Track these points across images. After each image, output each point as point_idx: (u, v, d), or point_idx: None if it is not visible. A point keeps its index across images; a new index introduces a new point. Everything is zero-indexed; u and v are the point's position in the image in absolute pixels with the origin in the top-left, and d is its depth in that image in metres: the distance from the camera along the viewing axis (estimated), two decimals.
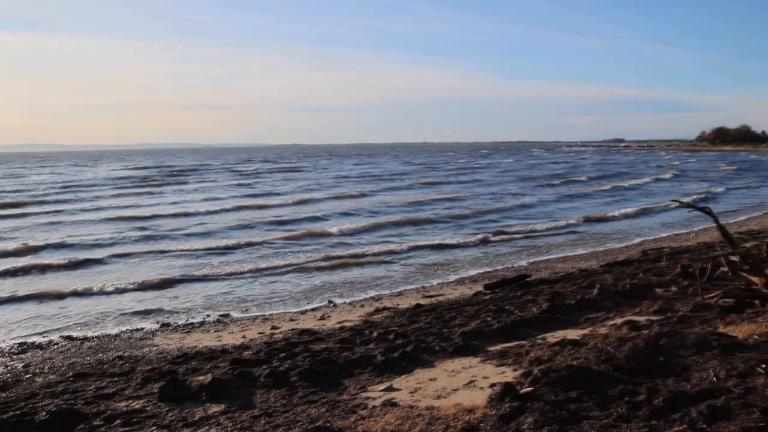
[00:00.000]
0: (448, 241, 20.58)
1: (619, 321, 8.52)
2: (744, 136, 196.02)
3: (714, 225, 9.19)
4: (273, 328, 11.03)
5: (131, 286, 14.85)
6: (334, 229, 23.42)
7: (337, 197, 37.89)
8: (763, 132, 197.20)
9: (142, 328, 11.47)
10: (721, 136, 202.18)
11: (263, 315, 12.29)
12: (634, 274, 12.51)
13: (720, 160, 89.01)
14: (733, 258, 8.65)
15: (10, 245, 20.74)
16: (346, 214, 28.99)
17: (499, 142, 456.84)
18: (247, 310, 12.80)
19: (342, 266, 17.10)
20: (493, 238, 21.29)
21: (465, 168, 77.48)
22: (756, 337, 5.61)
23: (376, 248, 19.52)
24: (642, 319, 8.44)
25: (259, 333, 10.73)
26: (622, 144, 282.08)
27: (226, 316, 12.33)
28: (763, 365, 4.57)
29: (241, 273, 16.28)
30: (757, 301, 8.07)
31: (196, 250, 19.68)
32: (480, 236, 21.48)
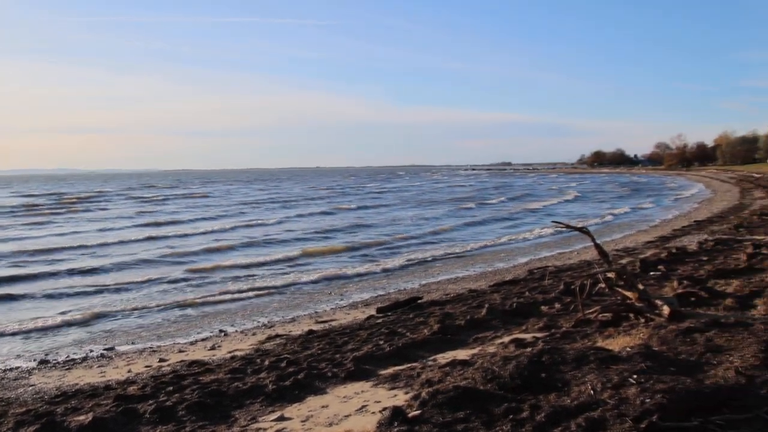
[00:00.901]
0: (345, 270, 20.46)
1: (506, 339, 8.77)
2: (619, 159, 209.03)
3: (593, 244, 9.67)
4: (161, 360, 10.60)
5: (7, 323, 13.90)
6: (233, 261, 22.85)
7: (248, 225, 36.90)
8: (635, 155, 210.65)
9: (17, 367, 10.73)
10: (599, 159, 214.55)
11: (151, 347, 11.81)
12: (521, 293, 12.94)
13: (611, 182, 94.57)
14: (610, 275, 9.11)
15: None
16: (250, 243, 28.18)
17: (394, 166, 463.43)
18: (134, 342, 12.27)
19: (238, 294, 16.72)
20: (390, 263, 21.46)
21: (373, 192, 78.07)
22: (629, 349, 5.91)
23: (270, 276, 19.20)
24: (528, 336, 8.72)
25: (146, 366, 10.28)
26: (510, 167, 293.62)
27: (111, 349, 11.76)
28: (635, 376, 4.82)
29: (133, 306, 15.55)
30: (632, 314, 8.53)
31: (87, 285, 18.62)
32: (378, 260, 21.63)
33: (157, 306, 15.52)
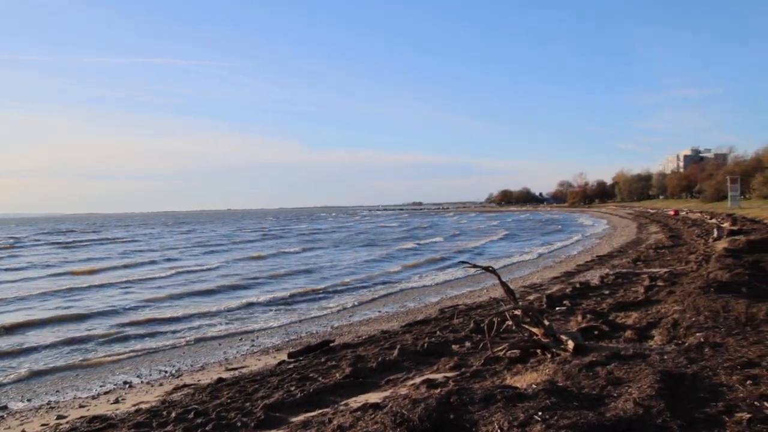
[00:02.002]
0: (252, 321, 20.05)
1: (418, 380, 8.77)
2: (525, 198, 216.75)
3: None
4: (59, 417, 10.02)
5: None
6: (158, 313, 22.00)
7: (188, 271, 35.49)
8: (541, 194, 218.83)
9: None
10: (506, 198, 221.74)
11: (49, 403, 11.14)
12: (432, 333, 13.05)
13: (528, 220, 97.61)
14: (517, 312, 9.31)
15: None
16: (190, 293, 27.21)
17: (308, 207, 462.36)
18: (30, 399, 11.53)
19: (143, 343, 16.08)
20: (303, 305, 21.22)
21: (305, 233, 76.97)
22: (534, 386, 6.03)
23: (181, 322, 18.59)
24: (439, 376, 8.76)
25: (42, 425, 9.70)
26: (421, 207, 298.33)
27: (4, 408, 11.01)
28: (540, 413, 4.90)
29: (32, 360, 14.67)
30: (539, 350, 8.73)
31: None
32: (292, 304, 21.37)
33: (59, 359, 14.69)
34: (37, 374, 13.44)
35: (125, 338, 16.74)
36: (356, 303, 21.28)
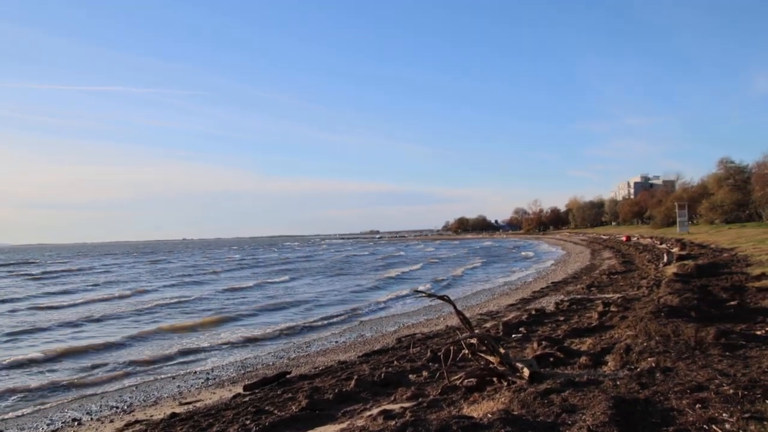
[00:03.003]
0: (203, 344, 19.75)
1: (375, 411, 8.69)
2: (482, 225, 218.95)
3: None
4: None
5: None
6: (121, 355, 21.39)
7: (178, 301, 34.72)
8: (497, 221, 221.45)
9: None
10: (462, 226, 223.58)
11: None
12: (390, 362, 13.00)
13: (498, 246, 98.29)
14: (472, 340, 9.34)
15: None
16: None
17: (264, 236, 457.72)
18: None
19: (99, 375, 15.65)
20: (259, 335, 20.95)
21: (277, 263, 75.89)
22: (490, 415, 6.04)
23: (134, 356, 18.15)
24: (396, 407, 8.70)
25: None
26: (378, 235, 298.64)
27: None
28: None
29: None
30: (495, 378, 8.76)
31: None
32: (245, 334, 21.07)
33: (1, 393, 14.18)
34: None
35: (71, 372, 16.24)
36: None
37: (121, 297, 37.16)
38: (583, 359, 10.01)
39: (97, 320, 26.75)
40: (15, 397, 13.96)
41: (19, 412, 12.69)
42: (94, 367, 16.89)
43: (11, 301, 36.65)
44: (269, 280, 46.32)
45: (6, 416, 12.37)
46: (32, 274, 65.07)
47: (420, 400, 8.84)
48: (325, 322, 23.91)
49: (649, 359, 8.76)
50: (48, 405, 13.33)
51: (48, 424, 11.84)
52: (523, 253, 74.57)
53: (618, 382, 7.29)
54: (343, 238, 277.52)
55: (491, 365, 8.94)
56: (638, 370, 8.22)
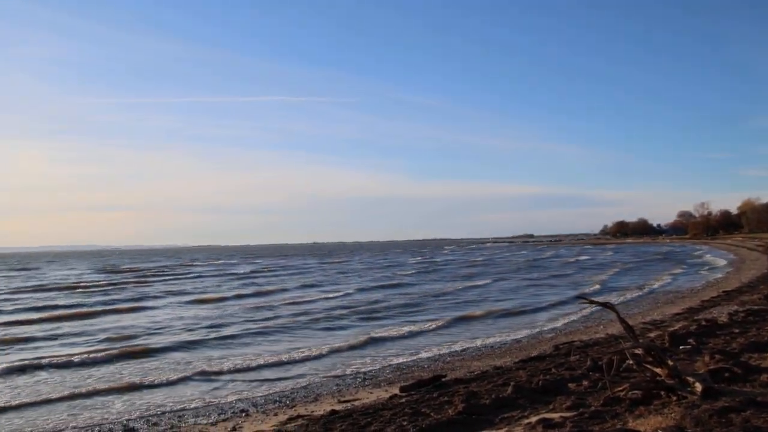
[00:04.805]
0: (354, 344, 20.23)
1: (533, 419, 8.50)
2: (642, 229, 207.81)
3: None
4: None
5: None
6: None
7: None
8: (659, 225, 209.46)
9: None
10: (622, 230, 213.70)
11: (171, 427, 11.63)
12: (547, 370, 12.66)
13: (670, 251, 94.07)
14: (637, 351, 8.89)
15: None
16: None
17: (417, 240, 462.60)
18: (156, 423, 12.06)
19: (264, 370, 16.60)
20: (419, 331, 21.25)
21: (463, 265, 76.20)
22: (660, 431, 5.70)
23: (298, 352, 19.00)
24: (556, 416, 8.46)
25: None
26: (532, 239, 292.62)
27: (133, 430, 11.59)
28: None
29: (166, 381, 15.47)
30: (663, 392, 8.27)
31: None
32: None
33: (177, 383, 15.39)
34: (160, 395, 14.11)
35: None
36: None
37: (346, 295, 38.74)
38: (764, 377, 9.18)
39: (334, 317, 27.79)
40: (197, 390, 14.92)
41: (195, 404, 13.61)
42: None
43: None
44: (472, 283, 45.40)
45: (184, 407, 13.33)
46: (236, 274, 69.13)
47: (581, 410, 8.52)
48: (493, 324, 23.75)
49: None
50: (219, 397, 14.22)
51: (219, 413, 12.65)
52: (690, 260, 69.80)
53: None
54: (497, 242, 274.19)
55: (658, 378, 8.45)
56: None
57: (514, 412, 9.44)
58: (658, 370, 8.47)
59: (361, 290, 41.67)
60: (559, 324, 23.32)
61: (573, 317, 24.77)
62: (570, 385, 10.76)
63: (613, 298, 30.18)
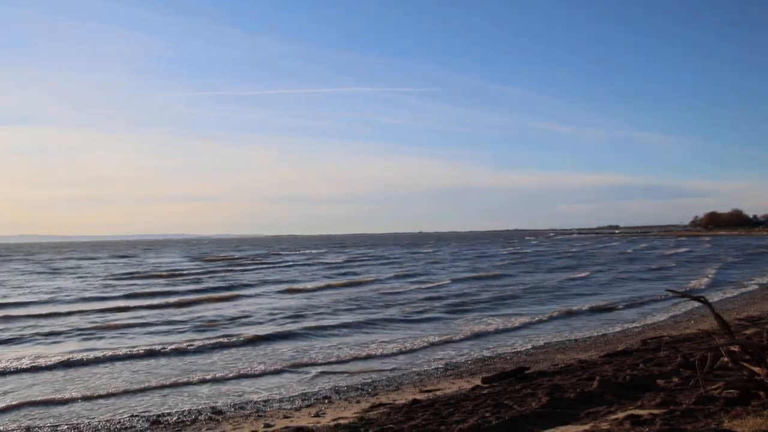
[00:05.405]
0: (447, 336, 20.15)
1: (620, 415, 8.29)
2: (737, 221, 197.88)
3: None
4: (266, 426, 10.69)
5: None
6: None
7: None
8: (755, 216, 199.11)
9: (132, 426, 11.14)
10: (714, 221, 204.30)
11: (257, 411, 11.95)
12: (635, 365, 12.30)
13: (758, 244, 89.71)
14: (733, 348, 8.50)
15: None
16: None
17: (499, 230, 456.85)
18: (242, 406, 12.43)
19: (349, 359, 16.86)
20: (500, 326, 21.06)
21: (556, 255, 75.83)
22: None
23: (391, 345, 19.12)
24: (644, 413, 8.21)
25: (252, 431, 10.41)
26: (617, 231, 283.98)
27: (220, 412, 11.95)
28: None
29: (254, 370, 15.82)
30: (761, 393, 7.88)
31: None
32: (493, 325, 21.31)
33: (265, 370, 15.74)
34: (245, 381, 14.55)
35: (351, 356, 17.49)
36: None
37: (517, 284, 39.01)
38: None
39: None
40: (283, 378, 15.23)
41: (280, 390, 13.92)
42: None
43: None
44: (569, 276, 44.30)
45: (270, 393, 13.64)
46: (327, 263, 69.71)
47: (671, 407, 8.25)
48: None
49: None
50: (304, 384, 14.49)
51: (302, 399, 12.91)
52: None
53: None
54: (581, 233, 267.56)
55: (757, 377, 8.05)
56: None
57: (599, 407, 9.23)
58: (756, 369, 8.07)
59: (456, 281, 41.17)
60: (647, 318, 22.61)
61: (661, 312, 23.96)
62: (659, 381, 10.42)
63: (722, 294, 28.94)
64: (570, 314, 24.40)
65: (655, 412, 8.19)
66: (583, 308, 25.71)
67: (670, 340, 15.83)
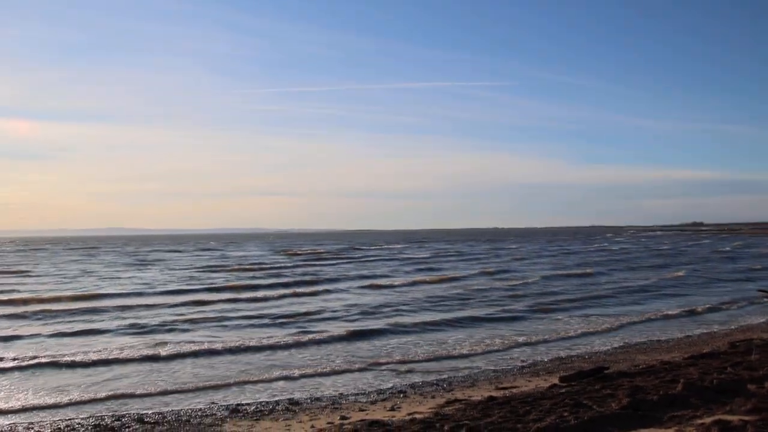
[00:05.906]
0: (526, 335, 19.85)
1: (707, 420, 7.97)
2: None
3: None
4: (342, 418, 10.80)
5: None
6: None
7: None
8: None
9: (213, 414, 11.48)
10: None
11: (333, 404, 12.09)
12: (722, 368, 11.80)
13: None
14: None
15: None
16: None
17: (575, 227, 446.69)
18: (319, 398, 12.61)
19: (426, 356, 16.85)
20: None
21: (652, 253, 73.09)
22: None
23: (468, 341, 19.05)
24: (734, 419, 7.86)
25: (328, 423, 10.52)
26: (704, 228, 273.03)
27: (297, 403, 12.15)
28: None
29: (324, 366, 15.90)
30: None
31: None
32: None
33: (343, 365, 15.91)
34: (321, 374, 14.79)
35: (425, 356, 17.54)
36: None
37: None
38: None
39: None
40: (359, 373, 15.33)
41: (356, 384, 14.04)
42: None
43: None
44: (664, 276, 42.14)
45: (346, 386, 13.78)
46: (410, 258, 69.57)
47: (764, 414, 7.87)
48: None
49: None
50: (380, 378, 14.57)
51: (378, 392, 12.99)
52: None
53: None
54: (663, 230, 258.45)
55: None
56: None
57: (684, 411, 8.89)
58: None
59: (544, 278, 40.18)
60: (738, 320, 21.68)
61: (754, 314, 22.92)
62: (750, 386, 9.95)
63: None
64: (658, 317, 23.46)
65: (746, 418, 7.83)
66: (672, 310, 24.71)
67: (761, 343, 15.10)
